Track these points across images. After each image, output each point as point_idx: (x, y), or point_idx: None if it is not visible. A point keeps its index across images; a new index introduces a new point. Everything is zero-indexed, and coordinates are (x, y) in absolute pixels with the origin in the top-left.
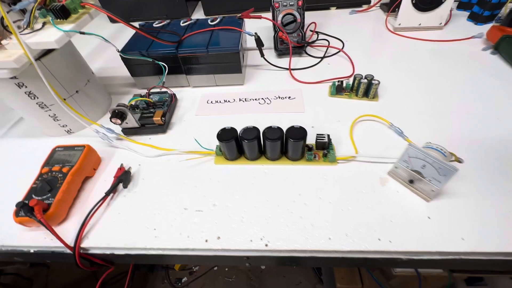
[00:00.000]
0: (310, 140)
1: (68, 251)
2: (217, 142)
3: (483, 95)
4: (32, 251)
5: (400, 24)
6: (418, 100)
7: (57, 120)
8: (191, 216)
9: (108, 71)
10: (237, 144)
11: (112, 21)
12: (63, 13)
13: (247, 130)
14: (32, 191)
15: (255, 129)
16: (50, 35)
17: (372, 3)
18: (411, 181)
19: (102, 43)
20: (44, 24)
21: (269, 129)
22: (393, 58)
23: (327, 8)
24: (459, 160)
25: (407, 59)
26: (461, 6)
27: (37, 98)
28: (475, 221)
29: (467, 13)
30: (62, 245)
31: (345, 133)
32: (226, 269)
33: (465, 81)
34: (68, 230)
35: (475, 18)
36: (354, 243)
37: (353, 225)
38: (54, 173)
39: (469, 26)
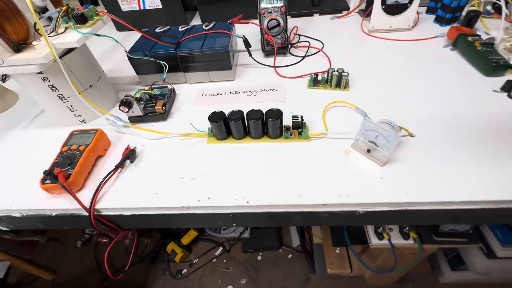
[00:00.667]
0: (288, 122)
1: (85, 213)
2: (209, 125)
3: (441, 83)
4: (54, 214)
5: (373, 26)
6: (385, 89)
7: (73, 110)
8: (186, 183)
9: (116, 71)
10: (225, 125)
11: (119, 29)
12: (82, 19)
13: (233, 112)
14: (55, 165)
15: (240, 112)
16: (71, 36)
17: (351, 9)
18: (368, 151)
19: (110, 48)
20: (66, 28)
21: (251, 111)
22: (367, 56)
23: (311, 14)
24: (412, 135)
25: (379, 57)
26: (429, 10)
27: (58, 90)
28: (418, 179)
29: (433, 16)
30: (80, 207)
31: (319, 117)
32: (224, 260)
33: (426, 73)
34: (84, 197)
35: (440, 20)
36: (318, 198)
37: (319, 186)
38: (72, 151)
39: (435, 27)
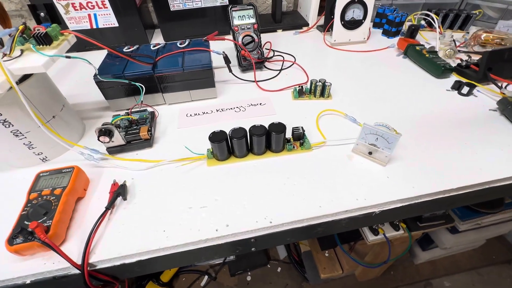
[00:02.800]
0: (287, 134)
1: (73, 272)
2: (204, 148)
3: (401, 86)
4: (28, 281)
5: (335, 40)
6: (360, 95)
7: (32, 148)
8: (197, 212)
9: (76, 97)
10: (226, 144)
11: (79, 49)
12: (46, 40)
13: (235, 130)
14: (23, 218)
15: (242, 129)
16: (34, 60)
17: (310, 25)
18: (370, 153)
19: (60, 70)
20: (22, 51)
21: (254, 127)
22: (335, 66)
23: (274, 30)
24: (399, 134)
25: (345, 66)
26: (376, 25)
27: (12, 126)
28: (417, 173)
29: (380, 30)
30: (65, 267)
31: (312, 126)
32: None
33: (389, 78)
34: (69, 251)
35: (387, 33)
36: (339, 205)
37: (335, 193)
38: (45, 197)
39: (383, 39)
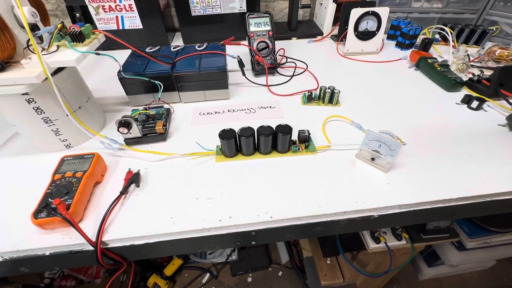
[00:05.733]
0: (293, 137)
1: (87, 248)
2: (214, 145)
3: (411, 97)
4: (47, 253)
5: (348, 50)
6: (368, 104)
7: (59, 134)
8: (203, 203)
9: (100, 92)
10: (235, 142)
11: (105, 48)
12: (80, 38)
13: (244, 129)
14: (47, 196)
15: (251, 128)
16: (68, 55)
17: (324, 34)
18: (372, 159)
19: (88, 65)
20: (58, 47)
21: (261, 127)
22: (346, 75)
23: (289, 38)
24: (403, 143)
25: (356, 75)
26: (389, 37)
27: (44, 113)
28: (419, 182)
29: (394, 42)
30: (82, 242)
31: (319, 131)
32: (213, 287)
33: (399, 89)
34: (85, 229)
35: (400, 45)
36: (338, 206)
37: (335, 195)
38: (68, 178)
39: (397, 51)
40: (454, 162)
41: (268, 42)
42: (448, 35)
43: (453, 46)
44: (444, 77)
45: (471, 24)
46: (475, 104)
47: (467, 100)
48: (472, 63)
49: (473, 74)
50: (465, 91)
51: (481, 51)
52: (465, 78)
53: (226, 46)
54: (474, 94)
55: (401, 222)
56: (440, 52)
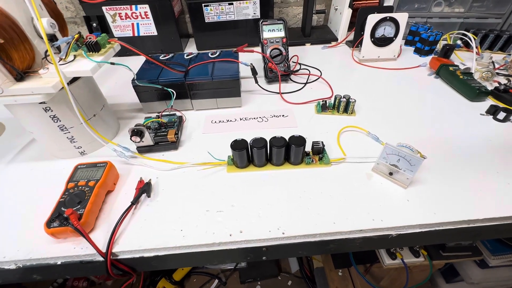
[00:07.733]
0: (307, 147)
1: (98, 259)
2: (225, 155)
3: (431, 107)
4: (59, 262)
5: (363, 56)
6: (385, 113)
7: (74, 142)
8: (213, 216)
9: (113, 98)
10: (247, 153)
11: (121, 55)
12: (95, 47)
13: (256, 140)
14: (60, 205)
15: (263, 139)
16: (84, 65)
17: (339, 40)
18: (390, 174)
19: (101, 73)
20: (74, 57)
21: (274, 138)
22: (362, 82)
23: (303, 44)
24: (424, 157)
25: (372, 83)
26: (407, 43)
27: (60, 121)
28: (441, 199)
29: (412, 48)
30: (91, 253)
31: (333, 141)
32: None
33: (418, 98)
34: (96, 239)
35: (419, 52)
36: (354, 224)
37: (351, 211)
38: (81, 187)
39: (415, 57)
40: (479, 179)
41: (282, 49)
42: (471, 41)
43: (476, 52)
44: (467, 86)
45: (496, 29)
46: (502, 115)
47: (492, 111)
48: (497, 71)
49: (499, 83)
50: (490, 101)
51: (508, 57)
52: (490, 87)
53: (239, 53)
54: (501, 105)
55: (421, 242)
56: (462, 59)
